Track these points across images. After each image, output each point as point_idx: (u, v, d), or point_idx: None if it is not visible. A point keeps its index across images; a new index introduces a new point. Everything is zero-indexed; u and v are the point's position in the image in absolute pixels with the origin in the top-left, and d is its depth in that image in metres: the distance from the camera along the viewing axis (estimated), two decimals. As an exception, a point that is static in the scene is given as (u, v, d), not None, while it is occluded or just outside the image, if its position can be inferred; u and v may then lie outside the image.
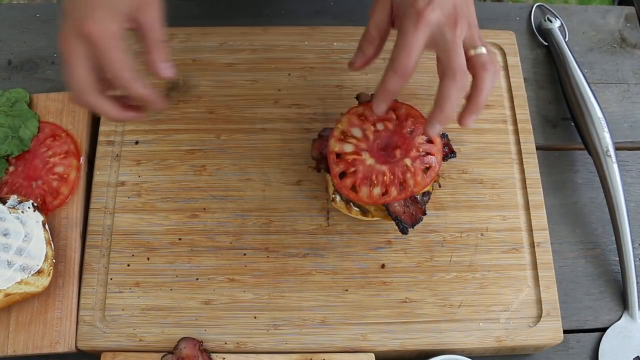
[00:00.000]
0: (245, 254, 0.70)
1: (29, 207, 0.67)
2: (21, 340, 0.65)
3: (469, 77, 0.58)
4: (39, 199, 0.70)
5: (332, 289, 0.69)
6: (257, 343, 0.66)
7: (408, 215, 0.65)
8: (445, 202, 0.73)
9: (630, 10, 0.91)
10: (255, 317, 0.67)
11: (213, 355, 0.65)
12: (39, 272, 0.64)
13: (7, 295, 0.63)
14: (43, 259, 0.65)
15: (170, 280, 0.68)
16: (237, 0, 0.88)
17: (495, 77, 0.59)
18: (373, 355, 0.66)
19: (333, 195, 0.68)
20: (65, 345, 0.65)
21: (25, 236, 0.65)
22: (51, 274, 0.65)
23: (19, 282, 0.63)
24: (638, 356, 0.69)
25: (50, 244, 0.67)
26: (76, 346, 0.65)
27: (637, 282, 0.72)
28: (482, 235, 0.71)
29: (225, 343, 0.66)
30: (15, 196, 0.67)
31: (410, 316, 0.68)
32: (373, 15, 0.62)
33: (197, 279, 0.69)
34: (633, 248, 0.72)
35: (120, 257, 0.69)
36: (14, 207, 0.66)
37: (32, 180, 0.72)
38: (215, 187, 0.73)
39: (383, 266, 0.70)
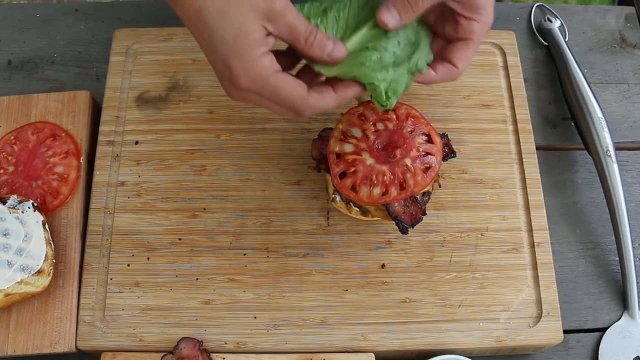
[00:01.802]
0: (245, 254, 0.70)
1: (29, 207, 0.67)
2: (21, 340, 0.65)
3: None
4: (39, 199, 0.70)
5: (332, 289, 0.69)
6: (257, 343, 0.66)
7: (408, 215, 0.65)
8: (445, 202, 0.73)
9: (630, 10, 0.91)
10: (255, 317, 0.67)
11: (213, 355, 0.65)
12: (39, 272, 0.64)
13: (7, 295, 0.63)
14: (43, 259, 0.65)
15: (170, 280, 0.68)
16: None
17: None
18: (373, 355, 0.66)
19: (333, 195, 0.68)
20: (65, 345, 0.65)
21: (25, 236, 0.65)
22: (51, 274, 0.65)
23: (19, 282, 0.63)
24: (638, 356, 0.69)
25: (50, 244, 0.67)
26: (76, 346, 0.65)
27: (637, 282, 0.72)
28: (482, 235, 0.71)
29: (225, 343, 0.66)
30: (15, 196, 0.67)
31: (410, 316, 0.68)
32: None
33: (197, 279, 0.69)
34: (633, 248, 0.72)
35: (120, 257, 0.69)
36: (14, 207, 0.66)
37: (32, 180, 0.72)
38: (215, 187, 0.73)
39: (383, 266, 0.70)
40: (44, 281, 0.65)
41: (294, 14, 0.53)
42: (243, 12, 0.51)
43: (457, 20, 0.58)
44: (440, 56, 0.60)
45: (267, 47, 0.53)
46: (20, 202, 0.67)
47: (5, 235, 0.64)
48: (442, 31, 0.60)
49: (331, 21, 0.57)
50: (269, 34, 0.53)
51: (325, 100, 0.55)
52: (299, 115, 0.55)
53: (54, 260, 0.66)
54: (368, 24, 0.57)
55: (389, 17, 0.55)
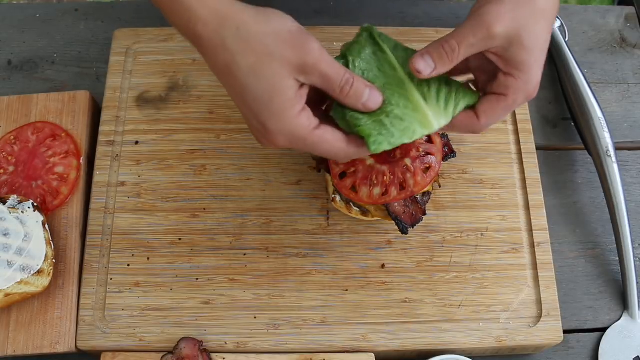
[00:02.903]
0: (245, 254, 0.70)
1: (29, 207, 0.67)
2: (21, 340, 0.65)
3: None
4: (39, 199, 0.70)
5: (332, 289, 0.69)
6: (257, 343, 0.66)
7: (408, 215, 0.65)
8: (445, 202, 0.73)
9: (630, 10, 0.91)
10: (255, 317, 0.67)
11: (213, 355, 0.65)
12: (39, 272, 0.64)
13: (7, 295, 0.63)
14: (43, 259, 0.65)
15: (170, 280, 0.68)
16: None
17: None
18: (373, 355, 0.66)
19: (333, 195, 0.68)
20: (65, 345, 0.65)
21: (25, 236, 0.65)
22: (51, 274, 0.65)
23: (19, 282, 0.63)
24: (638, 356, 0.69)
25: (50, 244, 0.67)
26: (76, 346, 0.65)
27: (637, 282, 0.72)
28: (482, 235, 0.71)
29: (225, 343, 0.66)
30: (15, 196, 0.67)
31: (410, 316, 0.68)
32: (477, 33, 0.52)
33: (197, 279, 0.69)
34: (633, 248, 0.72)
35: (120, 257, 0.69)
36: (14, 207, 0.66)
37: (32, 180, 0.72)
38: (215, 187, 0.73)
39: (383, 266, 0.70)
40: (44, 281, 0.65)
41: (328, 63, 0.51)
42: (275, 68, 0.49)
43: (496, 75, 0.55)
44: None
45: (302, 103, 0.52)
46: (20, 202, 0.67)
47: (5, 235, 0.64)
48: (486, 89, 0.57)
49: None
50: (302, 85, 0.51)
51: (364, 148, 0.54)
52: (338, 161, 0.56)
53: (54, 260, 0.66)
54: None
55: (424, 65, 0.53)
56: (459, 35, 0.53)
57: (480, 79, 0.59)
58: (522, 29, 0.52)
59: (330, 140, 0.53)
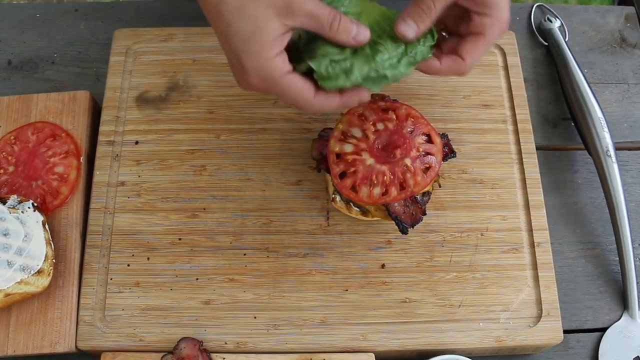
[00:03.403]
0: (245, 254, 0.70)
1: (29, 207, 0.67)
2: (21, 340, 0.65)
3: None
4: (39, 199, 0.70)
5: (332, 289, 0.69)
6: (257, 343, 0.66)
7: (408, 215, 0.65)
8: (445, 202, 0.73)
9: (630, 10, 0.91)
10: (255, 317, 0.67)
11: (213, 355, 0.65)
12: (39, 272, 0.64)
13: (7, 295, 0.63)
14: (43, 259, 0.65)
15: (170, 280, 0.68)
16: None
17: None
18: (373, 355, 0.66)
19: (333, 195, 0.68)
20: (65, 345, 0.65)
21: (25, 236, 0.65)
22: (51, 274, 0.65)
23: (19, 282, 0.63)
24: (638, 356, 0.69)
25: (50, 244, 0.67)
26: (76, 346, 0.65)
27: (637, 282, 0.72)
28: (482, 235, 0.71)
29: (225, 343, 0.66)
30: (15, 196, 0.67)
31: (410, 316, 0.68)
32: None
33: (197, 279, 0.69)
34: (633, 248, 0.72)
35: (120, 257, 0.69)
36: (14, 207, 0.66)
37: (32, 180, 0.72)
38: (215, 187, 0.73)
39: (383, 266, 0.70)
40: (44, 281, 0.65)
41: (313, 2, 0.53)
42: (260, 9, 0.52)
43: (470, 17, 0.59)
44: (451, 51, 0.60)
45: (280, 47, 0.54)
46: (20, 202, 0.67)
47: (5, 235, 0.64)
48: (457, 30, 0.61)
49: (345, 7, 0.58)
50: (287, 30, 0.53)
51: (330, 103, 0.57)
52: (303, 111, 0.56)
53: (54, 260, 0.66)
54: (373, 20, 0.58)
55: (407, 29, 0.56)
56: None
57: (449, 24, 0.62)
58: None
59: (300, 87, 0.55)
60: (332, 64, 0.56)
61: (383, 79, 0.57)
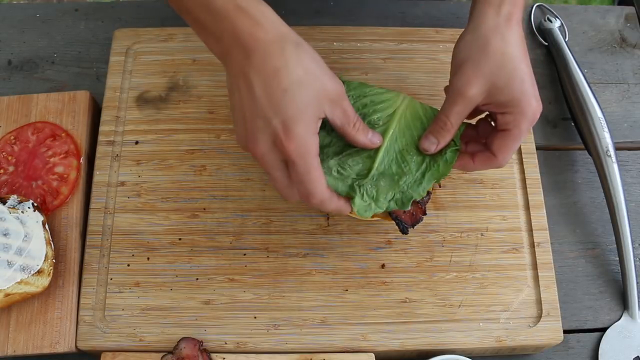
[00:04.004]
0: (245, 254, 0.70)
1: (29, 207, 0.67)
2: (21, 340, 0.65)
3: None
4: (39, 199, 0.70)
5: (332, 289, 0.69)
6: (257, 343, 0.66)
7: (408, 215, 0.65)
8: (445, 202, 0.73)
9: (630, 10, 0.91)
10: (255, 317, 0.67)
11: (213, 355, 0.65)
12: (39, 272, 0.64)
13: (7, 295, 0.63)
14: (43, 259, 0.65)
15: (170, 280, 0.68)
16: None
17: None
18: (373, 355, 0.66)
19: (333, 195, 0.68)
20: (65, 345, 0.65)
21: (25, 236, 0.65)
22: (51, 274, 0.65)
23: (19, 282, 0.63)
24: (638, 356, 0.69)
25: (50, 244, 0.67)
26: (76, 346, 0.65)
27: (637, 282, 0.72)
28: (482, 235, 0.71)
29: (225, 343, 0.66)
30: (15, 196, 0.67)
31: (410, 316, 0.68)
32: (459, 102, 0.59)
33: (197, 279, 0.69)
34: (633, 248, 0.72)
35: (120, 257, 0.69)
36: (14, 207, 0.66)
37: (32, 180, 0.72)
38: (215, 187, 0.73)
39: (383, 266, 0.70)
40: (44, 281, 0.65)
41: (348, 101, 0.57)
42: (316, 88, 0.54)
43: (494, 117, 0.61)
44: (485, 146, 0.62)
45: (318, 128, 0.56)
46: (20, 202, 0.67)
47: (5, 235, 0.64)
48: (487, 131, 0.63)
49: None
50: (324, 117, 0.55)
51: (332, 203, 0.58)
52: (304, 199, 0.57)
53: (54, 260, 0.66)
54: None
55: (429, 145, 0.61)
56: (445, 110, 0.60)
57: (480, 129, 0.65)
58: (493, 75, 0.57)
59: (321, 174, 0.56)
60: (360, 193, 0.60)
61: (409, 200, 0.61)
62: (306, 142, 0.53)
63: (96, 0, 1.35)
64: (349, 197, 0.60)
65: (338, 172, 0.61)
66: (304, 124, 0.53)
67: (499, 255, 0.71)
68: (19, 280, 0.63)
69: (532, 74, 0.59)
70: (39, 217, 0.66)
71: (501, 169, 0.74)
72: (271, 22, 0.54)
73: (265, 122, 0.53)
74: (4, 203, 0.66)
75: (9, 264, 0.63)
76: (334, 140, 0.62)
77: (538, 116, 0.59)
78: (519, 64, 0.58)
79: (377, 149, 0.61)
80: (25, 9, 0.88)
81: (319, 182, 0.55)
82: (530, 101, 0.58)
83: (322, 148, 0.62)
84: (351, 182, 0.60)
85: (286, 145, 0.53)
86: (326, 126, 0.63)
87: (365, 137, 0.59)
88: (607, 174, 0.74)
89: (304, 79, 0.53)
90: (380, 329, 0.67)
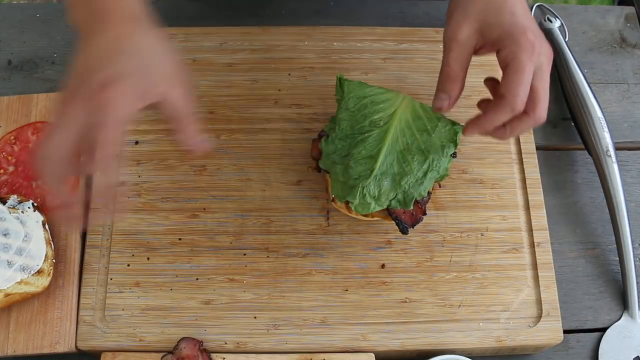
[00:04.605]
0: (245, 254, 0.70)
1: (29, 207, 0.67)
2: (21, 340, 0.65)
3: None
4: (39, 199, 0.70)
5: (332, 289, 0.69)
6: (257, 343, 0.66)
7: (408, 215, 0.65)
8: (445, 202, 0.73)
9: (630, 10, 0.91)
10: (255, 317, 0.67)
11: (213, 355, 0.65)
12: (39, 272, 0.64)
13: (7, 295, 0.63)
14: (43, 259, 0.65)
15: (170, 280, 0.68)
16: (237, 0, 0.88)
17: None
18: (373, 355, 0.66)
19: (333, 195, 0.68)
20: (65, 345, 0.65)
21: (25, 236, 0.65)
22: (51, 274, 0.65)
23: (19, 282, 0.63)
24: (638, 356, 0.69)
25: (50, 244, 0.67)
26: (76, 346, 0.65)
27: (637, 282, 0.72)
28: (482, 235, 0.71)
29: (225, 343, 0.66)
30: (15, 196, 0.67)
31: (410, 316, 0.68)
32: (454, 47, 0.58)
33: (197, 279, 0.69)
34: (633, 248, 0.72)
35: (120, 257, 0.69)
36: (14, 207, 0.66)
37: (32, 180, 0.72)
38: (215, 187, 0.73)
39: (383, 266, 0.70)
40: (44, 281, 0.65)
41: (189, 93, 0.57)
42: (156, 64, 0.54)
43: (498, 60, 0.59)
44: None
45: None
46: (20, 202, 0.67)
47: (5, 235, 0.64)
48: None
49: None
50: (146, 94, 0.53)
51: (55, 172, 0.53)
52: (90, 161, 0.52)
53: (54, 260, 0.66)
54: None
55: (441, 102, 0.59)
56: (444, 61, 0.59)
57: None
58: (481, 14, 0.57)
59: (114, 139, 0.51)
60: (362, 193, 0.61)
61: (411, 199, 0.62)
62: (126, 102, 0.51)
63: (96, 0, 1.35)
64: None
65: (343, 175, 0.62)
66: (127, 86, 0.51)
67: (499, 255, 0.71)
68: (19, 280, 0.63)
69: (527, 9, 0.57)
70: (39, 217, 0.66)
71: (501, 169, 0.74)
72: (133, 4, 0.55)
73: (92, 73, 0.51)
74: (4, 203, 0.66)
75: (9, 264, 0.63)
76: (339, 146, 0.63)
77: (538, 48, 0.56)
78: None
79: (379, 149, 0.61)
80: (25, 9, 0.88)
81: (113, 148, 0.50)
82: (524, 31, 0.56)
83: (329, 155, 0.64)
84: (353, 182, 0.61)
85: (106, 95, 0.50)
86: (329, 135, 0.64)
87: (194, 134, 0.56)
88: (607, 174, 0.74)
89: (145, 53, 0.53)
90: (380, 329, 0.67)
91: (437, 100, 0.59)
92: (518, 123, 0.57)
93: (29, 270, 0.64)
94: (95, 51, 0.53)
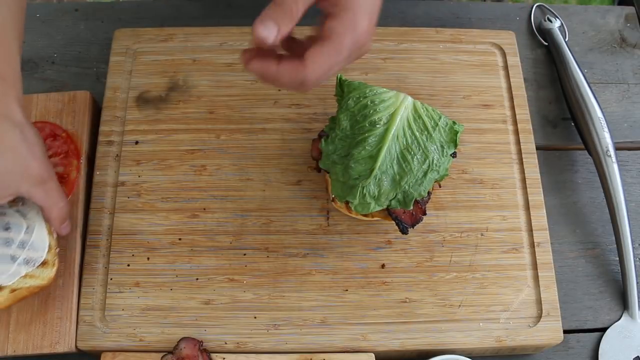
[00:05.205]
0: (245, 254, 0.70)
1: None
2: (21, 340, 0.65)
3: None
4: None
5: (332, 289, 0.69)
6: (257, 343, 0.66)
7: (408, 215, 0.65)
8: (445, 202, 0.73)
9: (630, 10, 0.91)
10: (255, 317, 0.67)
11: (213, 355, 0.65)
12: (44, 263, 0.64)
13: (13, 290, 0.63)
14: (46, 249, 0.64)
15: (170, 280, 0.68)
16: (237, 0, 0.88)
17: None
18: (373, 355, 0.66)
19: (333, 195, 0.68)
20: (65, 345, 0.65)
21: (27, 228, 0.64)
22: (56, 264, 0.65)
23: (24, 276, 0.63)
24: (638, 356, 0.69)
25: (53, 233, 0.66)
26: (76, 346, 0.65)
27: (637, 282, 0.72)
28: (482, 235, 0.71)
29: (225, 343, 0.66)
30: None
31: (410, 316, 0.68)
32: None
33: (197, 279, 0.69)
34: (633, 248, 0.72)
35: (120, 257, 0.69)
36: (13, 201, 0.66)
37: (32, 180, 0.72)
38: (215, 187, 0.73)
39: (383, 266, 0.70)
40: (49, 272, 0.64)
41: (55, 185, 0.63)
42: (17, 165, 0.58)
43: (323, 21, 0.53)
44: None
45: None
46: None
47: (6, 229, 0.64)
48: None
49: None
50: (10, 194, 0.60)
51: None
52: None
53: (57, 250, 0.66)
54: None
55: (266, 32, 0.50)
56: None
57: None
58: None
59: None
60: (362, 193, 0.61)
61: (411, 199, 0.62)
62: None
63: (96, 0, 1.35)
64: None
65: (343, 175, 0.62)
66: None
67: (499, 255, 0.71)
68: (23, 274, 0.63)
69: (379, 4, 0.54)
70: (39, 207, 0.66)
71: (501, 169, 0.74)
72: (3, 98, 0.57)
73: None
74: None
75: (13, 258, 0.63)
76: (339, 146, 0.63)
77: (366, 42, 0.53)
78: None
79: (379, 149, 0.61)
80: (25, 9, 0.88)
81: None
82: (362, 18, 0.52)
83: (329, 155, 0.64)
84: (353, 182, 0.61)
85: None
86: (329, 135, 0.64)
87: (57, 222, 0.64)
88: (607, 174, 0.74)
89: (6, 154, 0.57)
90: (380, 329, 0.67)
91: (264, 28, 0.49)
92: (288, 67, 0.52)
93: (33, 263, 0.63)
94: None
